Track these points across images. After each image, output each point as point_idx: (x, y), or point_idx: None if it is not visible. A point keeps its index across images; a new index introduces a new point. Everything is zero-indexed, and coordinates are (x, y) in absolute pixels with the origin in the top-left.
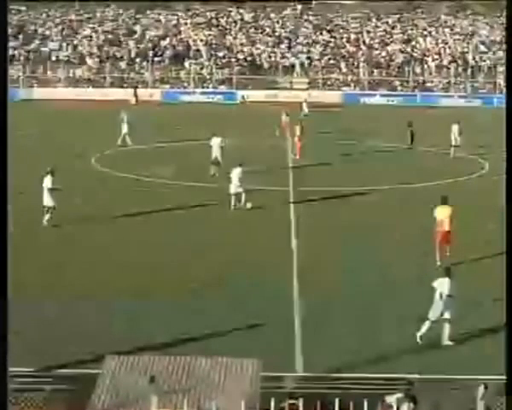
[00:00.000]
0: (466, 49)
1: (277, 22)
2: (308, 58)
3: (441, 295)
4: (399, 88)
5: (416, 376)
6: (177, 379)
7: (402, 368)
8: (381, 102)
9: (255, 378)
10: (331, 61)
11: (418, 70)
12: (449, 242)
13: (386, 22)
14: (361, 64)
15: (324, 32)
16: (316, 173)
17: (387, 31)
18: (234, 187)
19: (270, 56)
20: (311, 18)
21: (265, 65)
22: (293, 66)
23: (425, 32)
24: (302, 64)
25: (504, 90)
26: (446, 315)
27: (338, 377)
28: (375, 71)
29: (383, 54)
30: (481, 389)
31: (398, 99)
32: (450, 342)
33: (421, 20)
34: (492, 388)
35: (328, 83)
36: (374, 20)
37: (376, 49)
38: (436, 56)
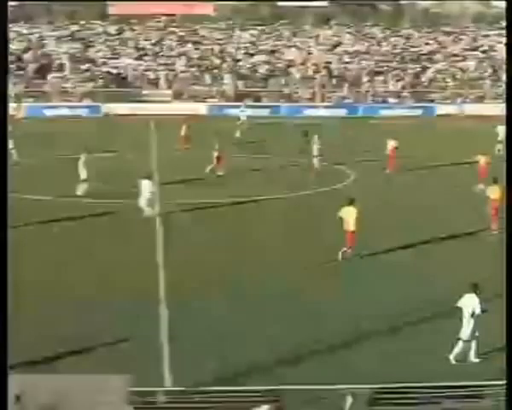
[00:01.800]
0: (330, 60)
1: (141, 34)
2: (173, 70)
3: (472, 314)
4: (264, 99)
5: (286, 387)
6: (45, 398)
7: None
8: (246, 114)
9: (123, 394)
10: (196, 73)
11: (283, 81)
12: (353, 241)
13: (251, 33)
14: (226, 75)
15: (189, 44)
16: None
17: (252, 41)
18: (143, 199)
19: (134, 69)
20: (175, 30)
21: (130, 78)
22: (157, 78)
23: (290, 43)
24: (167, 76)
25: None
26: (476, 333)
27: (205, 391)
28: (240, 82)
29: (248, 65)
30: (349, 398)
31: (264, 111)
32: (477, 360)
33: (285, 30)
34: (361, 397)
35: (194, 95)
36: (238, 31)
37: (241, 61)
38: (301, 67)
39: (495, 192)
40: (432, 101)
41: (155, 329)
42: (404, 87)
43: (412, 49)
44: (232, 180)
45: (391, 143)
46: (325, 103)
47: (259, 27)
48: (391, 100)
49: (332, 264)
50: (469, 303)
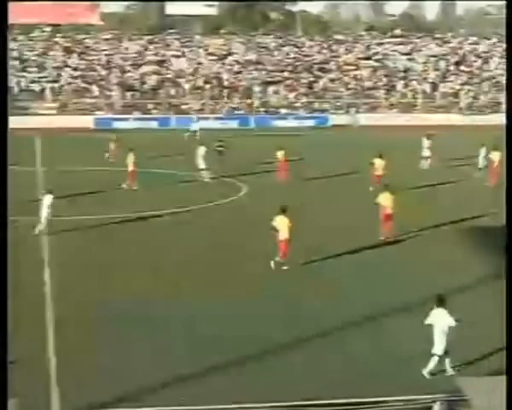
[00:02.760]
0: (221, 70)
1: (25, 45)
2: (57, 82)
3: (443, 329)
4: (154, 111)
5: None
6: None
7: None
8: (135, 126)
9: None
10: (82, 85)
11: (173, 92)
12: (287, 249)
13: (138, 43)
14: (113, 87)
15: (75, 55)
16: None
17: (140, 52)
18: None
19: (19, 81)
20: (60, 40)
21: (15, 90)
22: (42, 90)
23: (178, 53)
24: (52, 88)
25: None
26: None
27: None
28: (128, 94)
29: (136, 76)
30: None
31: (153, 123)
32: (453, 372)
33: (174, 40)
34: None
35: (80, 107)
36: (125, 41)
37: (129, 72)
38: (190, 77)
39: (386, 199)
40: (325, 111)
41: (43, 350)
42: (297, 97)
43: (305, 59)
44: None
45: (281, 153)
46: (216, 115)
47: (147, 37)
48: (283, 111)
49: (265, 273)
50: (439, 318)
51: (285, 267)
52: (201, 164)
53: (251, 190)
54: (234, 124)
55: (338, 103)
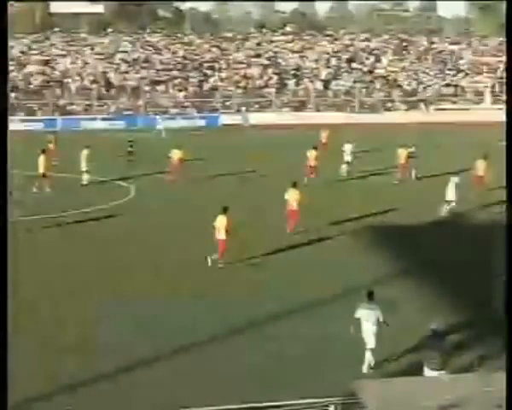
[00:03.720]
0: (108, 69)
1: None
2: None
3: (373, 323)
4: (39, 112)
5: None
6: None
7: None
8: (18, 128)
9: None
10: None
11: (58, 92)
12: (224, 248)
13: (23, 42)
14: None
15: None
16: None
17: (24, 51)
18: None
19: None
20: None
21: None
22: None
23: (64, 52)
24: None
25: (148, 112)
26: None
27: None
28: (12, 94)
29: (20, 76)
30: None
31: (39, 124)
32: (371, 370)
33: (59, 39)
34: None
35: None
36: (10, 40)
37: (12, 72)
38: (77, 77)
39: (292, 196)
40: (215, 110)
41: None
42: (186, 97)
43: (194, 57)
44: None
45: (176, 153)
46: (103, 115)
47: (31, 36)
48: (173, 110)
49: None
50: (368, 312)
51: (220, 265)
52: (84, 166)
53: (140, 192)
54: (121, 124)
55: (228, 103)
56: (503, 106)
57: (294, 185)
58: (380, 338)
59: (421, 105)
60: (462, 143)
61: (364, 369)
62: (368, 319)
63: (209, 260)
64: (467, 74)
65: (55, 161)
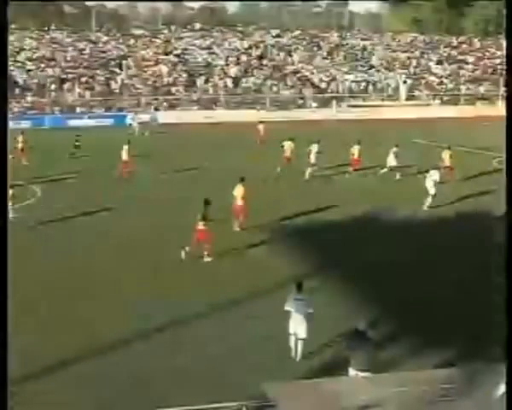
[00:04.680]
0: (12, 67)
1: None
2: None
3: (302, 314)
4: None
5: None
6: None
7: None
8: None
9: None
10: None
11: None
12: (204, 239)
13: None
14: None
15: None
16: None
17: None
18: None
19: None
20: None
21: None
22: None
23: None
24: None
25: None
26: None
27: None
28: None
29: None
30: None
31: None
32: (298, 358)
33: None
34: None
35: None
36: None
37: None
38: None
39: (238, 191)
40: (123, 109)
41: None
42: (93, 95)
43: (101, 55)
44: None
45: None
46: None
47: None
48: (79, 109)
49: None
50: (298, 303)
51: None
52: None
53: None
54: (27, 124)
55: (135, 101)
56: (418, 102)
57: (242, 181)
58: (309, 336)
59: (333, 102)
60: (376, 140)
61: (297, 358)
62: (297, 311)
63: (183, 254)
64: (379, 70)
65: None
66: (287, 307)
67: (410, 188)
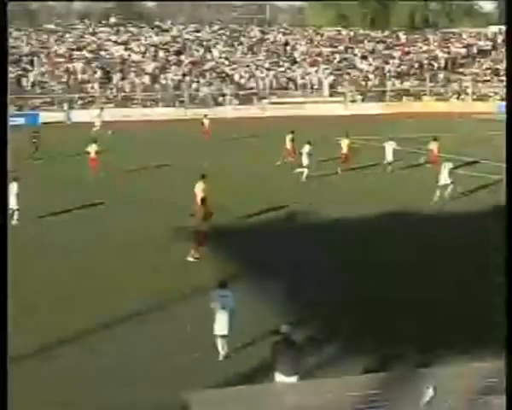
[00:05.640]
0: None
1: None
2: None
3: (226, 311)
4: None
5: None
6: None
7: None
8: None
9: None
10: None
11: None
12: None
13: None
14: None
15: None
16: None
17: None
18: None
19: None
20: None
21: None
22: None
23: None
24: None
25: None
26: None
27: None
28: None
29: None
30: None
31: None
32: (223, 353)
33: None
34: None
35: None
36: None
37: None
38: None
39: (199, 187)
40: (36, 107)
41: None
42: None
43: (12, 51)
44: None
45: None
46: None
47: None
48: None
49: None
50: (221, 300)
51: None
52: None
53: None
54: None
55: (49, 99)
56: (342, 98)
57: (203, 177)
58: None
59: (255, 99)
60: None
61: (220, 357)
62: (221, 308)
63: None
64: (302, 66)
65: None
66: (212, 305)
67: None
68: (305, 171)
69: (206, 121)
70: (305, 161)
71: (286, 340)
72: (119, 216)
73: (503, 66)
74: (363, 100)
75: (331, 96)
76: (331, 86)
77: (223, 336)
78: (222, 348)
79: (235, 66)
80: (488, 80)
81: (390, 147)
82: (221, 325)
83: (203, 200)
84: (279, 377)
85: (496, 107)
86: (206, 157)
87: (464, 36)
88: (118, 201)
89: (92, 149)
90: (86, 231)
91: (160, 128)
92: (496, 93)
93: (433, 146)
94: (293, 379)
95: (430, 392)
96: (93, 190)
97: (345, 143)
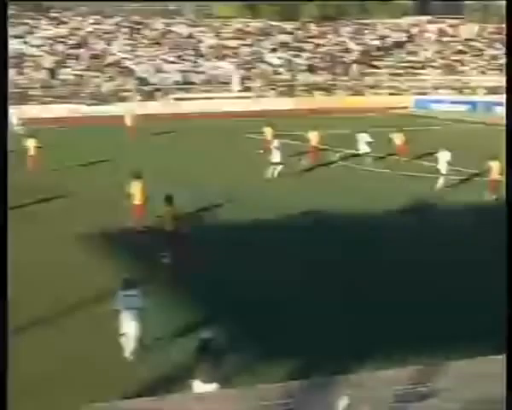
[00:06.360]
0: None
1: None
2: None
3: (132, 310)
4: None
5: None
6: None
7: None
8: None
9: None
10: None
11: None
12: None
13: None
14: None
15: None
16: None
17: None
18: None
19: None
20: None
21: None
22: None
23: None
24: None
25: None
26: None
27: None
28: None
29: None
30: None
31: None
32: (132, 357)
33: None
34: None
35: None
36: None
37: None
38: None
39: (135, 188)
40: None
41: None
42: None
43: None
44: None
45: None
46: None
47: None
48: None
49: None
50: (126, 299)
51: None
52: None
53: None
54: None
55: None
56: (252, 94)
57: (138, 177)
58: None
59: (160, 94)
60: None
61: (127, 354)
62: (126, 307)
63: None
64: (209, 60)
65: None
66: (115, 306)
67: None
68: (278, 167)
69: (129, 118)
70: (275, 156)
71: (205, 344)
72: None
73: (418, 58)
74: (274, 94)
75: (241, 91)
76: (240, 81)
77: (130, 337)
78: (128, 349)
79: (137, 60)
80: (403, 74)
81: (363, 139)
82: (127, 325)
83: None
84: (197, 385)
85: (411, 101)
86: (138, 157)
87: (378, 27)
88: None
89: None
90: None
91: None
92: (411, 87)
93: (313, 137)
94: (212, 387)
95: (345, 401)
96: None
97: (313, 136)
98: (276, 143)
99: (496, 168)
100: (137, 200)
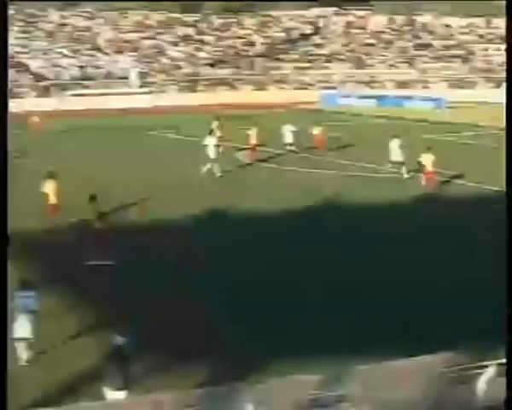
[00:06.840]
0: None
1: None
2: None
3: (27, 312)
4: None
5: None
6: None
7: None
8: None
9: None
10: None
11: None
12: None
13: None
14: None
15: None
16: None
17: None
18: None
19: None
20: None
21: None
22: None
23: None
24: None
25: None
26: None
27: None
28: None
29: None
30: None
31: None
32: (26, 364)
33: None
34: None
35: None
36: None
37: None
38: None
39: (49, 188)
40: None
41: None
42: None
43: None
44: None
45: None
46: None
47: None
48: None
49: None
50: (22, 301)
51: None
52: None
53: None
54: None
55: None
56: (152, 89)
57: (52, 176)
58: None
59: (56, 91)
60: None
61: (21, 362)
62: (22, 309)
63: None
64: (106, 54)
65: None
66: (10, 306)
67: None
68: (215, 165)
69: (35, 118)
70: (211, 154)
71: (116, 351)
72: None
73: (325, 51)
74: (175, 89)
75: (140, 86)
76: (139, 76)
77: (23, 340)
78: (22, 352)
79: (31, 54)
80: (310, 67)
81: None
82: (21, 327)
83: (93, 197)
84: (107, 392)
85: (319, 96)
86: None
87: (283, 19)
88: None
89: None
90: None
91: None
92: (319, 81)
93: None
94: (122, 394)
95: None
96: None
97: (254, 133)
98: (210, 140)
99: (429, 161)
100: (51, 200)
